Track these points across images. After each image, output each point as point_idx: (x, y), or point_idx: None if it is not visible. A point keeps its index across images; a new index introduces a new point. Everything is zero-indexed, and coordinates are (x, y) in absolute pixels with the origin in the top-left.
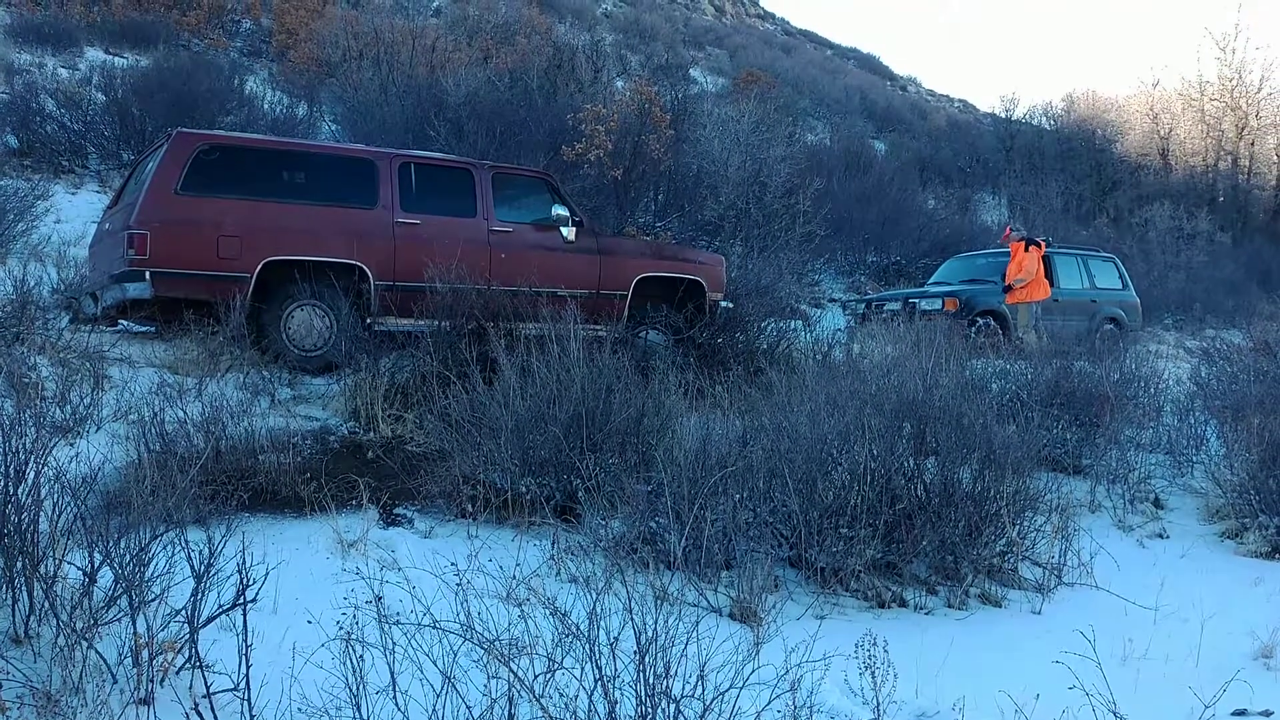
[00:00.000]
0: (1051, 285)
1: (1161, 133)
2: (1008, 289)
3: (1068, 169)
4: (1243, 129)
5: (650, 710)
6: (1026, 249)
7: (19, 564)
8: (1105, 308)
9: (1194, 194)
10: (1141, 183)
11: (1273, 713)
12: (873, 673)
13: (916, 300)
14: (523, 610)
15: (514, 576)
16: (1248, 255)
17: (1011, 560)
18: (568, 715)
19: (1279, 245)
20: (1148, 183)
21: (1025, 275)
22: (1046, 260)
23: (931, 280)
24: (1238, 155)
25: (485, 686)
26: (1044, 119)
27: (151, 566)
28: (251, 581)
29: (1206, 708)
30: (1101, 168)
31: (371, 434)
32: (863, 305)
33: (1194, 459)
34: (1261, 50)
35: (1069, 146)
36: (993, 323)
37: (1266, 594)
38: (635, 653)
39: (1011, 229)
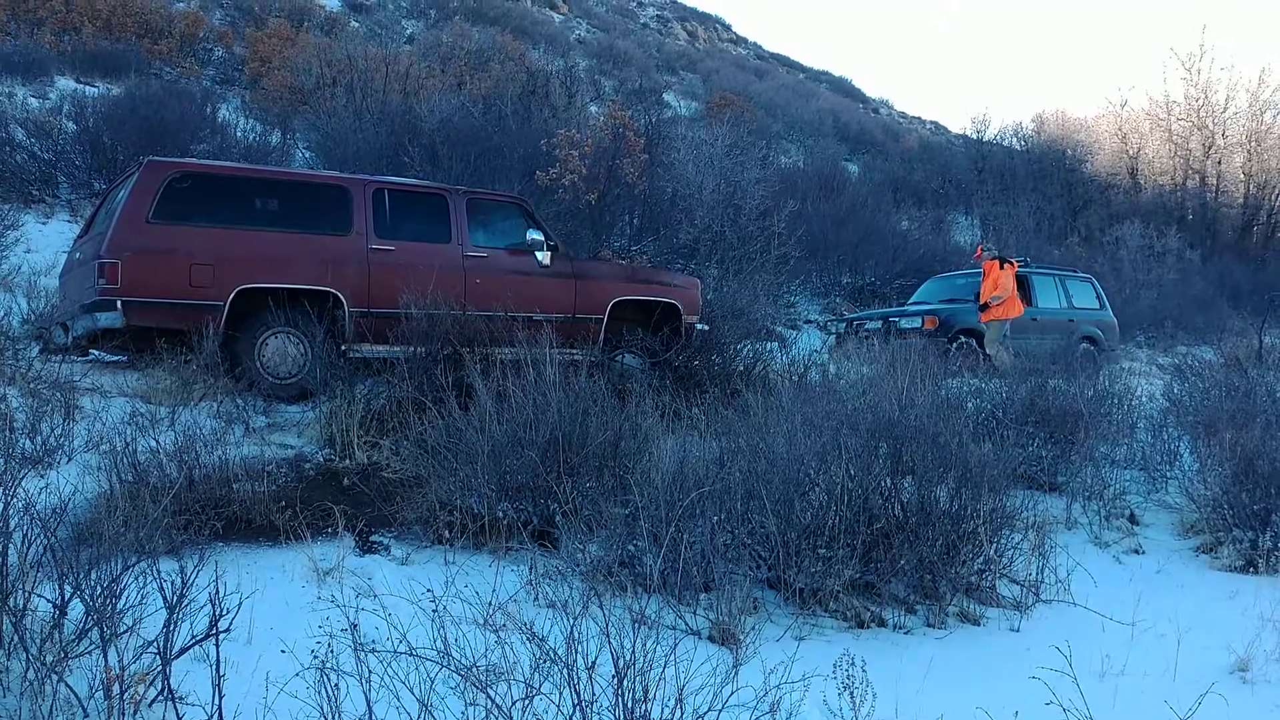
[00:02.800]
0: (1029, 304)
1: (1130, 152)
2: (983, 307)
3: (1039, 189)
4: (1209, 148)
5: None
6: (1001, 267)
7: None
8: (1082, 327)
9: (1163, 212)
10: (1111, 202)
11: None
12: (852, 693)
13: (896, 319)
14: (500, 636)
15: (491, 602)
16: (1217, 272)
17: (989, 578)
18: None
19: (1247, 262)
20: (1117, 201)
21: (1001, 293)
22: (1024, 280)
23: (912, 300)
24: (1205, 174)
25: (463, 713)
26: (1015, 140)
27: (123, 598)
28: (225, 611)
29: None
30: (1072, 187)
31: (347, 461)
32: (843, 325)
33: (1168, 474)
34: (1226, 70)
35: (1040, 166)
36: (973, 342)
37: (1242, 608)
38: (613, 676)
39: (983, 248)
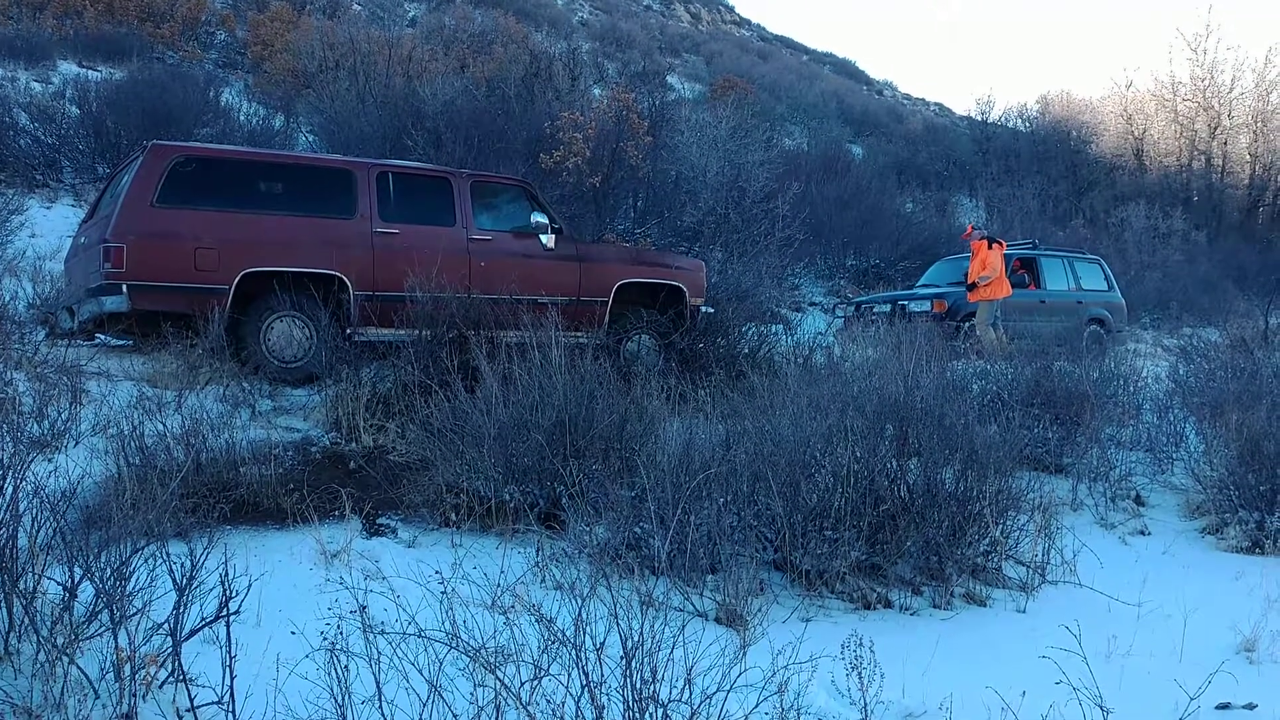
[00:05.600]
0: (1038, 286)
1: (1135, 133)
2: (971, 287)
3: (1043, 170)
4: (1215, 129)
5: (638, 715)
6: (989, 247)
7: None
8: (1091, 309)
9: (1168, 194)
10: (1117, 183)
11: (1256, 705)
12: (860, 673)
13: (905, 302)
14: (508, 618)
15: (499, 584)
16: (1222, 254)
17: (995, 560)
18: None
19: (1253, 244)
20: (1123, 183)
21: (990, 273)
22: (1032, 262)
23: (920, 282)
24: (1211, 155)
25: (472, 694)
26: (1019, 121)
27: (133, 580)
28: (234, 594)
29: (1192, 699)
30: (1077, 169)
31: (353, 444)
32: (851, 308)
33: (1174, 456)
34: (1233, 50)
35: (1044, 148)
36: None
37: (1247, 588)
38: (622, 658)
39: (973, 228)
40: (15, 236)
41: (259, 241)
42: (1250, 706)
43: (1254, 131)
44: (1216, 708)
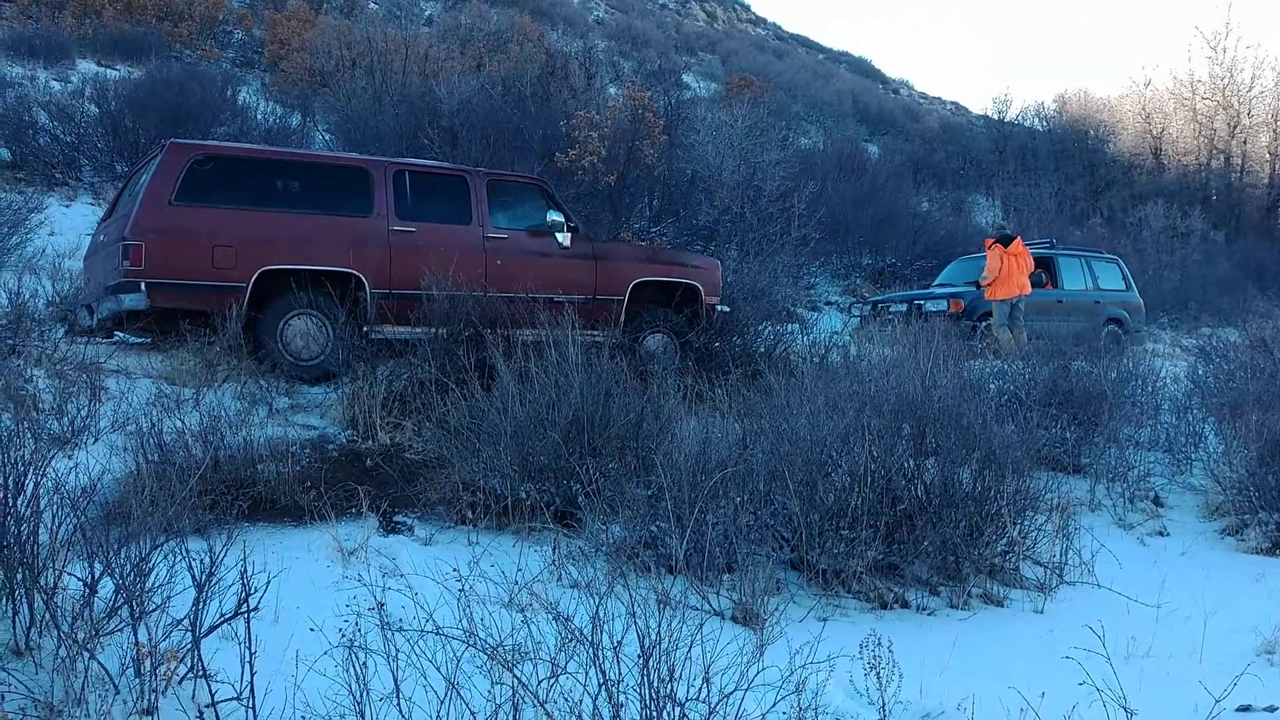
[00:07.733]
0: (1055, 286)
1: (1154, 132)
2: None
3: (1061, 169)
4: (1235, 127)
5: (655, 714)
6: (991, 247)
7: (19, 575)
8: (1108, 308)
9: (1187, 193)
10: (1134, 182)
11: (1277, 708)
12: (878, 673)
13: (921, 302)
14: (525, 616)
15: (516, 582)
16: (1241, 253)
17: (1013, 560)
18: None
19: (1272, 243)
20: (1141, 182)
21: (988, 273)
22: (1049, 261)
23: (936, 281)
24: (1230, 153)
25: (489, 692)
26: (1036, 120)
27: (152, 576)
28: (253, 590)
29: (1217, 702)
30: (1094, 167)
31: (370, 442)
32: (868, 307)
33: (1193, 457)
34: (1252, 49)
35: (1062, 147)
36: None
37: (1268, 590)
38: (639, 656)
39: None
40: (34, 234)
41: (276, 240)
42: (1271, 709)
43: (1274, 130)
44: (1237, 710)
